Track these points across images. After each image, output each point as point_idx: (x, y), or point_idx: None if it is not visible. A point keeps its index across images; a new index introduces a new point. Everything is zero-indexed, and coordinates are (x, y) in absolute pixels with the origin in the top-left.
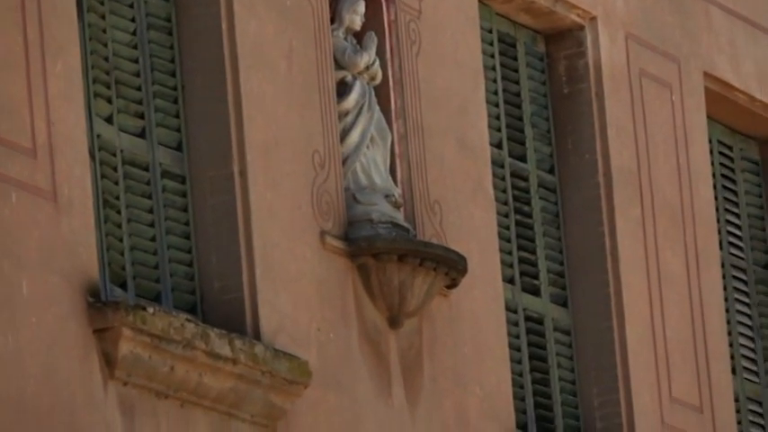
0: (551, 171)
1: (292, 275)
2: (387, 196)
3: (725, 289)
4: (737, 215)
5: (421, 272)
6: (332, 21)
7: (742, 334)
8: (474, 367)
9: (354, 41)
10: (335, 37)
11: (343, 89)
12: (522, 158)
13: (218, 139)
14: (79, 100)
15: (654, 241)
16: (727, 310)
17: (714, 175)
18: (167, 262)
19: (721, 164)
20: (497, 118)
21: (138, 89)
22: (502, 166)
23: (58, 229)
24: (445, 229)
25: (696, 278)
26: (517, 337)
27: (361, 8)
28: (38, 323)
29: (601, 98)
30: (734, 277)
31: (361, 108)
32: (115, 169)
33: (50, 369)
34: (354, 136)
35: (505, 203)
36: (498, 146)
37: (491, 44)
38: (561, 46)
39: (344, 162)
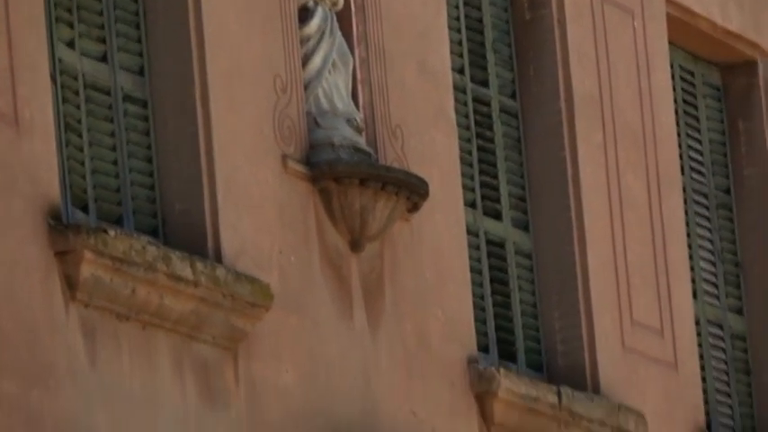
0: (513, 96)
1: (254, 199)
2: (348, 121)
3: (686, 213)
4: (699, 141)
5: (382, 196)
6: None
7: (703, 258)
8: (435, 291)
9: None
10: None
11: (304, 15)
12: (484, 84)
13: (179, 64)
14: (41, 24)
15: (615, 166)
16: (688, 235)
17: (676, 101)
18: (129, 185)
19: (683, 89)
20: (459, 44)
21: (100, 14)
22: (464, 92)
23: (20, 153)
24: (407, 153)
25: (658, 203)
26: (478, 260)
27: None
28: None
29: (563, 24)
30: (695, 202)
31: (322, 33)
32: (77, 93)
33: (12, 292)
34: (316, 61)
35: (467, 128)
36: (460, 71)
37: None
38: None
39: (306, 87)
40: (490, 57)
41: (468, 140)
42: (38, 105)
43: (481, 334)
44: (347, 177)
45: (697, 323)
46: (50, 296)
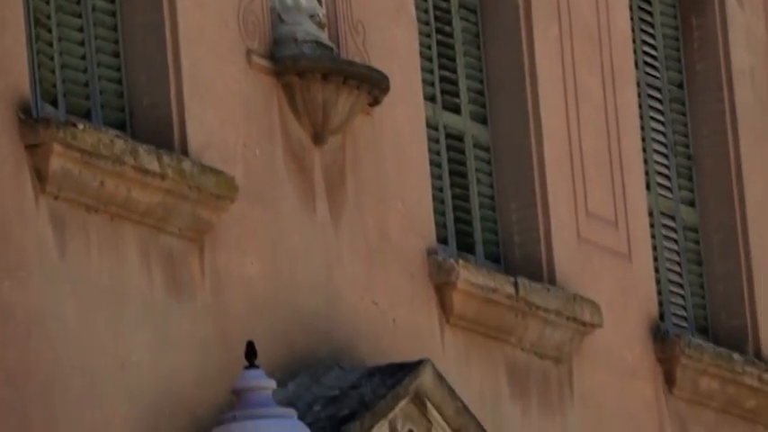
0: None
1: (219, 93)
2: (311, 16)
3: (640, 107)
4: (653, 36)
5: (344, 90)
6: None
7: (657, 151)
8: (396, 183)
9: None
10: None
11: None
12: None
13: None
14: None
15: (571, 61)
16: (642, 128)
17: None
18: (97, 80)
19: None
20: None
21: None
22: None
23: None
24: (368, 48)
25: (612, 97)
26: (438, 153)
27: None
28: None
29: None
30: (649, 96)
31: None
32: None
33: None
34: None
35: (427, 24)
36: None
37: None
38: None
39: None
40: None
41: (428, 36)
42: (7, 1)
43: (440, 226)
44: (310, 72)
45: (650, 215)
46: (20, 189)
